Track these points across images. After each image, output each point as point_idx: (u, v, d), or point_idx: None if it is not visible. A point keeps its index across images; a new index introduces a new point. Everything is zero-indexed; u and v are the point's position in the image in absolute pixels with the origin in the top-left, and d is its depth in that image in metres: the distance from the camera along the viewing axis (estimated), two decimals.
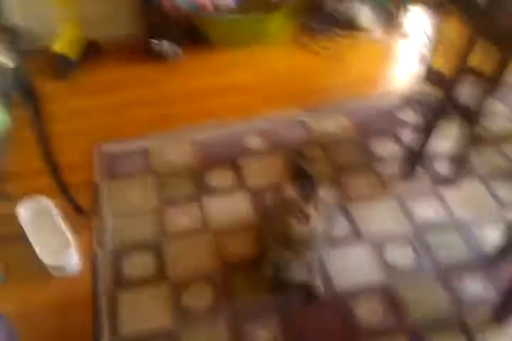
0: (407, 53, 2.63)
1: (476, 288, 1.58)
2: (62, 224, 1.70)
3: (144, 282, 1.61)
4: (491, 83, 1.62)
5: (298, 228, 1.32)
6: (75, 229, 1.74)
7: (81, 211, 1.85)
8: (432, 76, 2.02)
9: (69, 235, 1.67)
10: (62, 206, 1.78)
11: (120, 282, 1.61)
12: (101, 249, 1.72)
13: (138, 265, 1.66)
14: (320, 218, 1.33)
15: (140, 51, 2.60)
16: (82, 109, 2.33)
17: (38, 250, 1.61)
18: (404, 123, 2.17)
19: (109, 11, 2.57)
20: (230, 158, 2.04)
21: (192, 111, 2.30)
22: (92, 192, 1.93)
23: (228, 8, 2.55)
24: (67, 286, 1.62)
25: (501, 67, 1.56)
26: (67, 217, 1.74)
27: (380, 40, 2.72)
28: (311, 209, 1.30)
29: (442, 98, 1.69)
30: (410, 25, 2.74)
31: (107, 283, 1.61)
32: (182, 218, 1.80)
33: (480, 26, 1.51)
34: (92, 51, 2.58)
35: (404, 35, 2.73)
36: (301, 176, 1.79)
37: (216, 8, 2.53)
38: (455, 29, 1.66)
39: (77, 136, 2.16)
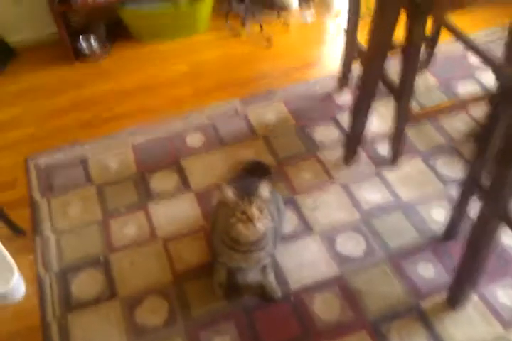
0: (340, 33, 2.60)
1: (428, 271, 1.58)
2: (2, 248, 1.61)
3: (95, 302, 1.55)
4: (408, 56, 1.56)
5: (243, 231, 1.29)
6: (16, 252, 1.65)
7: (20, 232, 1.76)
8: (360, 54, 1.98)
9: (10, 259, 1.58)
10: None
11: (70, 305, 1.55)
12: (46, 270, 1.64)
13: (87, 284, 1.59)
14: (265, 217, 1.30)
15: (64, 52, 2.45)
16: (6, 120, 2.20)
17: None
18: (342, 107, 2.16)
19: (22, 12, 2.42)
20: (172, 160, 1.98)
21: (126, 112, 2.22)
22: (30, 210, 1.83)
23: None
24: (13, 315, 1.55)
25: (410, 35, 1.50)
26: (5, 240, 1.64)
27: (311, 21, 2.68)
28: (253, 210, 1.27)
29: (368, 76, 1.65)
30: (341, 4, 2.69)
31: (56, 307, 1.55)
32: (128, 229, 1.75)
33: None
34: (3, 56, 2.42)
35: (336, 15, 2.70)
36: (258, 170, 1.78)
37: None
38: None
39: (4, 150, 2.05)
